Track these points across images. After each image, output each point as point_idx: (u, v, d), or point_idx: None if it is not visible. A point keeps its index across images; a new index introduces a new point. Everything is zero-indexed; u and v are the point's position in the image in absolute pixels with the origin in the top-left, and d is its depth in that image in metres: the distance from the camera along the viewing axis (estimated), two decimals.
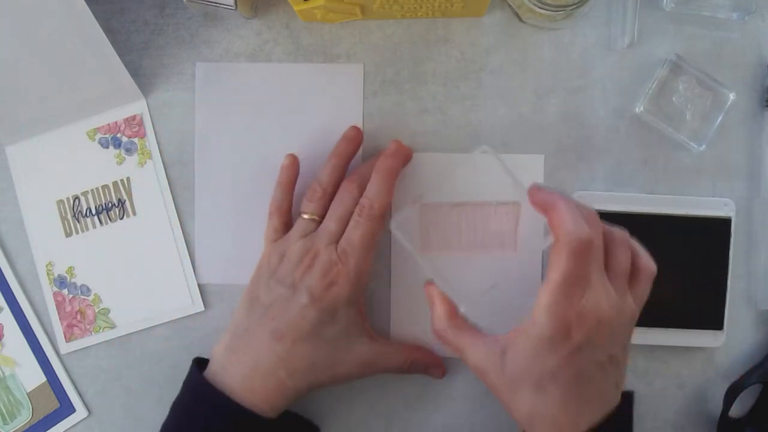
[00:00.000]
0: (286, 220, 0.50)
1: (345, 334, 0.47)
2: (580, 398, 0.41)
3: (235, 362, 0.46)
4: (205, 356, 0.53)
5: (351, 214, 0.47)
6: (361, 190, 0.48)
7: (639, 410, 0.52)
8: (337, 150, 0.50)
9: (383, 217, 0.47)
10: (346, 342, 0.47)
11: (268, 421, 0.45)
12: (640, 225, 0.49)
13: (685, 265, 0.49)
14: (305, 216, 0.48)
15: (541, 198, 0.42)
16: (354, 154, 0.51)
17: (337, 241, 0.47)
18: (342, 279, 0.45)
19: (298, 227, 0.48)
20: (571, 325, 0.40)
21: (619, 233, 0.43)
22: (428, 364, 0.50)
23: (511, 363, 0.41)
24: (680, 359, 0.52)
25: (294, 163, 0.50)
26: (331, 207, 0.48)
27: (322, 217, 0.48)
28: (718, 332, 0.50)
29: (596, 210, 0.48)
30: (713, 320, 0.50)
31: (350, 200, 0.48)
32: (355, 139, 0.51)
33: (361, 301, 0.49)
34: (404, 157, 0.50)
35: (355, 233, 0.46)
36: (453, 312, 0.45)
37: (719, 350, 0.51)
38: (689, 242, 0.49)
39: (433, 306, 0.46)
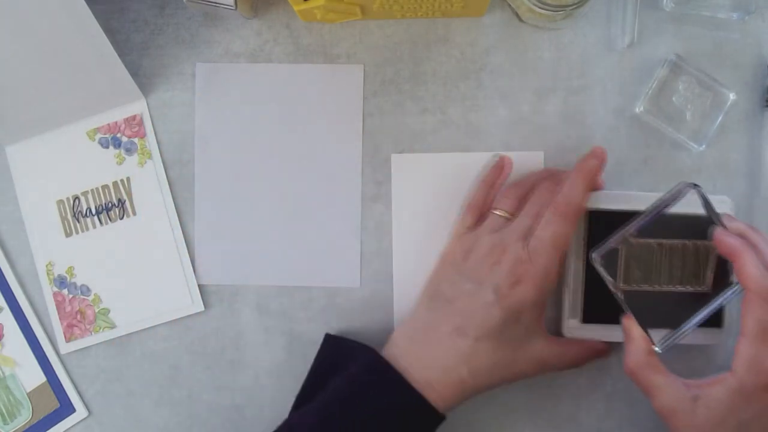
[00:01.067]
0: (480, 220, 0.49)
1: (525, 333, 0.46)
2: None
3: (416, 352, 0.45)
4: (204, 356, 0.53)
5: None
6: None
7: (639, 410, 0.52)
8: (553, 171, 0.50)
9: (576, 216, 0.46)
10: (524, 342, 0.46)
11: (441, 416, 0.44)
12: None
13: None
14: (497, 212, 0.48)
15: (726, 244, 0.43)
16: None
17: (526, 238, 0.45)
18: (528, 278, 0.44)
19: (489, 223, 0.48)
20: None
21: None
22: (598, 353, 0.49)
23: (703, 411, 0.41)
24: (680, 359, 0.52)
25: (508, 165, 0.50)
26: (527, 204, 0.47)
27: (514, 215, 0.47)
28: (717, 330, 0.50)
29: (596, 209, 0.48)
30: (713, 317, 0.49)
31: (549, 198, 0.46)
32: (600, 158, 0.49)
33: (545, 303, 0.47)
34: (604, 160, 0.48)
35: (546, 231, 0.45)
36: (650, 349, 0.44)
37: (719, 349, 0.51)
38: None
39: (630, 341, 0.45)
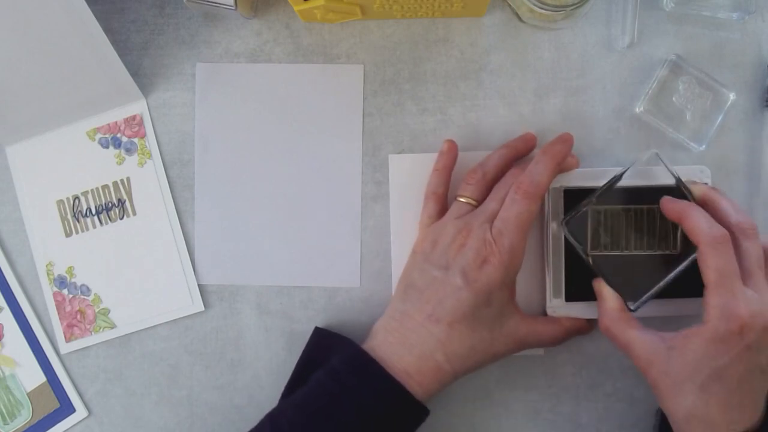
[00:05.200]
0: (441, 206, 0.50)
1: (499, 314, 0.46)
2: (740, 402, 0.41)
3: (393, 342, 0.45)
4: (204, 356, 0.53)
5: None
6: None
7: (639, 410, 0.52)
8: (509, 143, 0.50)
9: (541, 197, 0.46)
10: (499, 321, 0.46)
11: (421, 405, 0.44)
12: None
13: (668, 238, 0.49)
14: (461, 199, 0.48)
15: (673, 208, 0.45)
16: (524, 155, 0.50)
17: (492, 221, 0.46)
18: (495, 258, 0.44)
19: (453, 210, 0.48)
20: (744, 323, 0.40)
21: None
22: (579, 330, 0.50)
23: (678, 360, 0.42)
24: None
25: (452, 148, 0.50)
26: (494, 189, 0.48)
27: (479, 201, 0.48)
28: (701, 299, 0.49)
29: (571, 187, 0.49)
30: (696, 287, 0.48)
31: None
32: (529, 141, 0.50)
33: (514, 282, 0.48)
34: (571, 147, 0.49)
35: (511, 211, 0.45)
36: (622, 307, 0.46)
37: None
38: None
39: (602, 301, 0.47)
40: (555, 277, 0.50)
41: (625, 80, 0.52)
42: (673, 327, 0.51)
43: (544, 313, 0.51)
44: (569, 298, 0.50)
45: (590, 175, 0.50)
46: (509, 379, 0.52)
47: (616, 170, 0.50)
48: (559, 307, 0.50)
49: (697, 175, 0.50)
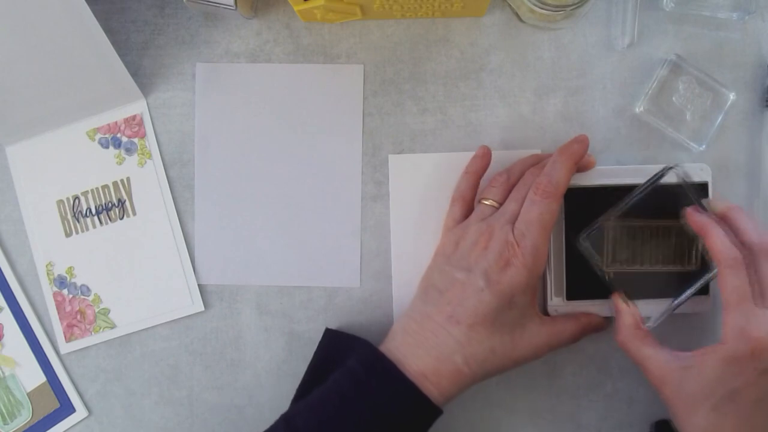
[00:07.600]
0: (467, 210, 0.50)
1: (520, 317, 0.46)
2: (754, 425, 0.41)
3: (411, 343, 0.45)
4: (204, 356, 0.53)
5: None
6: None
7: (639, 410, 0.52)
8: (541, 156, 0.51)
9: (560, 197, 0.46)
10: (521, 325, 0.46)
11: (435, 407, 0.44)
12: (617, 197, 0.48)
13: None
14: (485, 202, 0.48)
15: (696, 221, 0.45)
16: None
17: (513, 222, 0.46)
18: (518, 261, 0.44)
19: (476, 212, 0.48)
20: (757, 346, 0.40)
21: None
22: (595, 326, 0.50)
23: (692, 380, 0.42)
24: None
25: (486, 154, 0.50)
26: (514, 190, 0.48)
27: (502, 204, 0.48)
28: (704, 297, 0.49)
29: (576, 185, 0.49)
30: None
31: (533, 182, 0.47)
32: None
33: (537, 286, 0.48)
34: (587, 147, 0.48)
35: (532, 212, 0.45)
36: (638, 323, 0.46)
37: (707, 317, 0.51)
38: (669, 209, 0.49)
39: (619, 316, 0.47)
40: (556, 275, 0.50)
41: (625, 80, 0.52)
42: (675, 326, 0.51)
43: (545, 313, 0.51)
44: (570, 296, 0.50)
45: (590, 175, 0.50)
46: (509, 379, 0.52)
47: (617, 170, 0.50)
48: (560, 306, 0.50)
49: (697, 173, 0.50)
